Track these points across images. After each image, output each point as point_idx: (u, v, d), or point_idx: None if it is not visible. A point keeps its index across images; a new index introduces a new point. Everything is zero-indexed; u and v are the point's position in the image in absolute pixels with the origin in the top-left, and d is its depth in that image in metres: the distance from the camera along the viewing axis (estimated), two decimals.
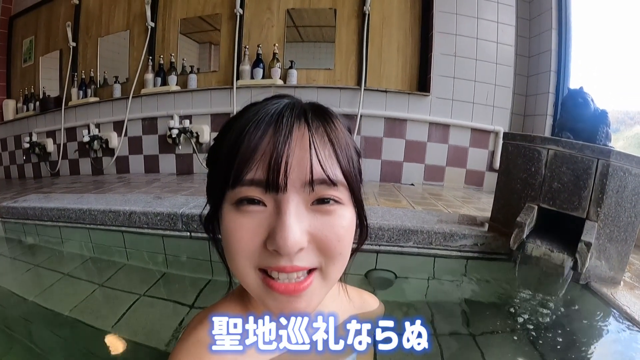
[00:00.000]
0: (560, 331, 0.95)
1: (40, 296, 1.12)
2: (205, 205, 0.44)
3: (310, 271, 0.37)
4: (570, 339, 0.92)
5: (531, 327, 0.96)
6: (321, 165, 0.36)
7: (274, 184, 0.34)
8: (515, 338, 0.93)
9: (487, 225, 1.46)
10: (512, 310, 1.04)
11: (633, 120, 2.53)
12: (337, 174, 0.37)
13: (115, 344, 0.90)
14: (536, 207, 1.28)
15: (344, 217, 0.38)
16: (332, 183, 0.36)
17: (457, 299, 1.19)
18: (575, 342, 0.92)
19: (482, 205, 2.07)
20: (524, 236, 1.22)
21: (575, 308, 1.08)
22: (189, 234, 1.46)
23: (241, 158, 0.35)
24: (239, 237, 0.36)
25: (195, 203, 1.59)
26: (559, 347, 0.88)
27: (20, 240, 1.68)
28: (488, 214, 1.53)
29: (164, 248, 1.48)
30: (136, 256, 1.50)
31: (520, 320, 0.99)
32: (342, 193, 0.37)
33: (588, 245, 1.09)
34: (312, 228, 0.36)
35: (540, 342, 0.90)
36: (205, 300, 1.07)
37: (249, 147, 0.35)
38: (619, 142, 2.55)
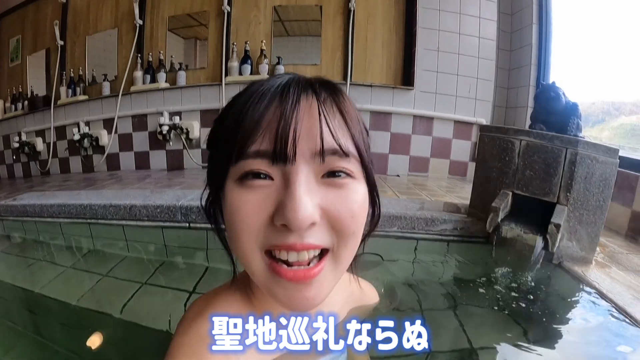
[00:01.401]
0: (535, 304, 1.02)
1: (46, 288, 1.13)
2: (205, 189, 0.41)
3: (321, 257, 0.35)
4: (545, 311, 0.99)
5: (508, 301, 1.02)
6: (332, 134, 0.33)
7: (281, 154, 0.32)
8: (495, 310, 0.99)
9: (463, 211, 1.54)
10: (490, 286, 1.10)
11: (618, 111, 2.58)
12: (348, 144, 0.34)
13: (122, 328, 0.93)
14: (510, 193, 1.36)
15: (357, 192, 0.35)
16: (344, 154, 0.34)
17: (439, 278, 1.26)
18: (549, 314, 0.98)
19: (465, 194, 2.14)
20: (499, 220, 1.30)
21: (549, 285, 1.15)
22: (187, 224, 1.53)
23: (245, 129, 0.33)
24: (243, 214, 0.33)
25: (192, 195, 1.65)
26: (534, 317, 0.95)
27: (20, 237, 1.70)
28: (468, 202, 1.62)
29: (164, 238, 1.53)
30: (136, 247, 1.55)
31: (498, 295, 1.05)
32: (354, 166, 0.35)
33: (557, 226, 1.17)
34: (324, 202, 0.33)
35: (518, 313, 0.96)
36: (204, 287, 1.11)
37: (253, 118, 0.33)
38: (604, 133, 2.63)
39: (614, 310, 0.95)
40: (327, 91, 0.36)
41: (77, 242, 1.63)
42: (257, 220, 0.33)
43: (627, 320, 0.90)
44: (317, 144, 0.33)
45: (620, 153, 1.24)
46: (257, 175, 0.33)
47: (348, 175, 0.34)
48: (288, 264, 0.34)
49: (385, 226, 1.41)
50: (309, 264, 0.34)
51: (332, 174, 0.34)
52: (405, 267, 1.31)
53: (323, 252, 0.35)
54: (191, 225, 1.52)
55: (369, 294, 0.63)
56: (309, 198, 0.32)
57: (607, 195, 1.24)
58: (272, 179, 0.33)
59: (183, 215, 1.52)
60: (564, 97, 1.38)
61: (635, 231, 1.69)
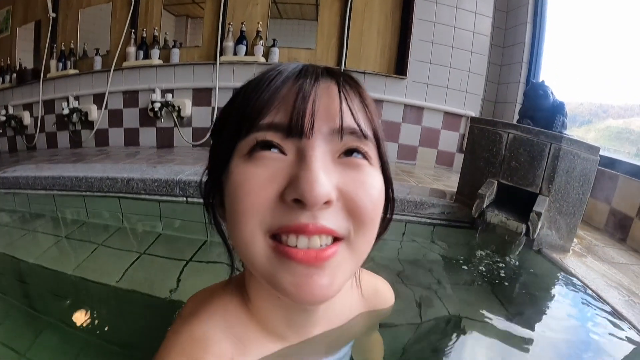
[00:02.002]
0: (515, 284, 1.08)
1: (40, 258, 1.10)
2: (204, 173, 0.39)
3: (334, 241, 0.31)
4: (524, 291, 1.05)
5: (491, 280, 1.08)
6: (352, 113, 0.32)
7: (297, 127, 0.30)
8: (478, 287, 1.04)
9: (453, 197, 1.59)
10: (473, 267, 1.15)
11: (606, 114, 2.61)
12: (367, 127, 0.33)
13: (120, 296, 0.92)
14: (496, 182, 1.42)
15: (375, 178, 0.33)
16: (363, 135, 0.32)
17: (426, 258, 1.30)
18: (528, 293, 1.05)
19: (451, 183, 2.19)
20: (484, 206, 1.36)
21: (528, 268, 1.21)
22: (185, 199, 1.54)
23: (259, 101, 0.31)
24: (247, 189, 0.30)
25: (190, 171, 1.65)
26: (514, 295, 1.01)
27: (12, 209, 1.68)
28: (455, 190, 1.66)
29: (160, 212, 1.54)
30: (132, 220, 1.55)
31: (481, 274, 1.11)
32: (371, 150, 0.33)
33: (538, 214, 1.24)
34: (341, 183, 0.30)
35: (498, 291, 1.01)
36: (202, 255, 1.12)
37: (269, 90, 0.32)
38: (590, 134, 2.66)
39: (587, 293, 1.00)
40: (346, 77, 0.35)
41: (71, 214, 1.62)
42: (265, 196, 0.30)
43: (599, 302, 0.95)
44: (336, 122, 0.31)
45: (605, 154, 1.30)
46: (267, 147, 0.31)
47: (364, 157, 0.33)
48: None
49: None
50: None
51: (349, 152, 0.32)
52: (394, 246, 1.35)
53: (335, 241, 0.31)
54: (188, 199, 1.53)
55: (384, 296, 0.57)
56: (325, 174, 0.29)
57: (587, 189, 1.30)
58: (284, 153, 0.31)
59: (181, 190, 1.53)
60: (552, 96, 1.44)
61: (613, 227, 1.77)
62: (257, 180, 0.30)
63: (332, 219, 0.30)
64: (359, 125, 0.32)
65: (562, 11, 2.80)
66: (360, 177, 0.32)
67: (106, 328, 0.80)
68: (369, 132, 0.33)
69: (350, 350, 0.51)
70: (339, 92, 0.32)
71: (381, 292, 0.57)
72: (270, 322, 0.40)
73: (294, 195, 0.28)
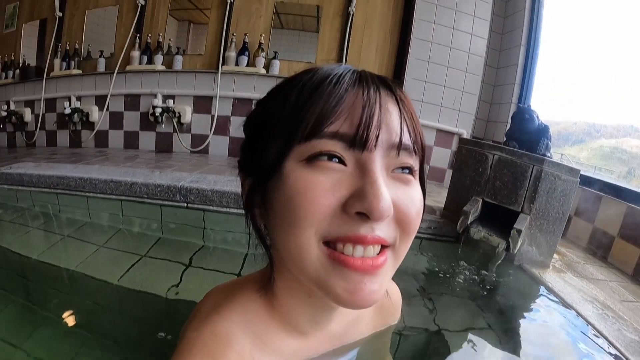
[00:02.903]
0: (496, 297, 1.14)
1: (41, 256, 1.12)
2: (242, 183, 0.39)
3: (382, 249, 0.33)
4: (504, 303, 1.11)
5: (472, 292, 1.13)
6: (409, 131, 0.33)
7: (362, 140, 0.30)
8: (460, 298, 1.10)
9: (439, 213, 1.66)
10: (457, 279, 1.20)
11: (599, 133, 2.67)
12: (417, 144, 0.34)
13: (120, 294, 0.94)
14: (481, 200, 1.49)
15: (418, 191, 0.35)
16: (415, 152, 0.34)
17: (412, 269, 1.34)
18: (508, 305, 1.10)
19: (441, 199, 2.25)
20: (469, 222, 1.43)
21: (509, 282, 1.27)
22: (185, 204, 1.60)
23: (323, 107, 0.31)
24: (310, 198, 0.30)
25: (192, 177, 1.71)
26: (494, 307, 1.07)
27: (14, 206, 1.70)
28: (443, 206, 1.74)
29: (161, 216, 1.59)
30: (133, 223, 1.59)
31: (464, 287, 1.16)
32: (416, 165, 0.35)
33: (519, 231, 1.30)
34: (394, 197, 0.31)
35: (480, 302, 1.07)
36: (198, 261, 1.16)
37: (334, 97, 0.31)
38: (583, 153, 2.73)
39: (562, 306, 1.07)
40: (399, 89, 0.35)
41: (74, 214, 1.66)
42: (327, 205, 0.30)
43: (574, 315, 1.01)
44: (396, 137, 0.32)
45: (595, 174, 1.38)
46: (329, 157, 0.31)
47: (411, 173, 0.34)
48: None
49: None
50: None
51: (400, 169, 0.33)
52: None
53: (383, 248, 0.33)
54: (189, 205, 1.59)
55: (395, 302, 0.60)
56: (386, 189, 0.30)
57: (566, 208, 1.37)
58: (344, 164, 0.31)
59: (182, 196, 1.59)
60: (537, 120, 1.51)
61: (594, 245, 1.83)
62: (320, 189, 0.30)
63: (385, 230, 0.32)
64: (414, 143, 0.33)
65: (556, 33, 2.90)
66: (410, 191, 0.33)
67: (105, 325, 0.81)
68: (419, 150, 0.35)
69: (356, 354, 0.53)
70: (398, 107, 0.33)
71: (392, 294, 0.58)
72: (294, 319, 0.41)
73: (359, 209, 0.29)
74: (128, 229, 1.52)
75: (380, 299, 0.33)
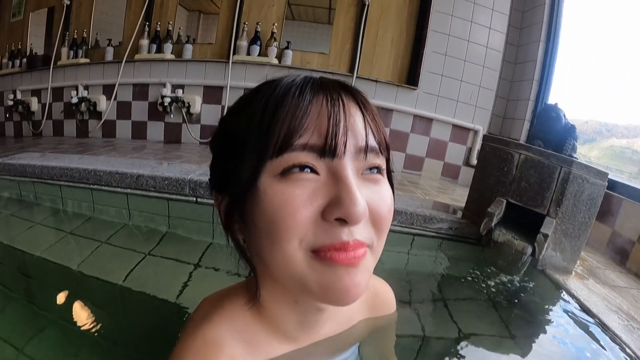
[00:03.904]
0: (518, 303, 1.09)
1: (44, 253, 1.08)
2: (219, 199, 0.39)
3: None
4: (527, 310, 1.06)
5: (494, 297, 1.08)
6: (373, 132, 0.35)
7: (331, 148, 0.32)
8: (481, 304, 1.05)
9: (460, 213, 1.60)
10: (478, 284, 1.15)
11: (610, 133, 2.63)
12: (382, 144, 0.36)
13: (124, 296, 0.91)
14: (505, 201, 1.43)
15: (388, 189, 0.37)
16: (381, 151, 0.35)
17: (432, 271, 1.31)
18: (530, 312, 1.05)
19: (456, 197, 2.20)
20: (493, 224, 1.37)
21: (532, 288, 1.21)
22: (195, 199, 1.51)
23: (291, 121, 0.32)
24: (291, 210, 0.31)
25: (202, 170, 1.63)
26: (517, 314, 1.02)
27: (17, 198, 1.65)
28: (461, 204, 1.67)
29: (168, 211, 1.52)
30: (139, 217, 1.52)
31: (485, 291, 1.11)
32: (384, 164, 0.37)
33: (545, 236, 1.25)
34: (367, 199, 0.33)
35: (501, 309, 1.02)
36: (207, 261, 1.11)
37: (300, 109, 0.32)
38: (593, 152, 2.68)
39: (587, 315, 1.01)
40: (360, 94, 0.37)
41: (78, 207, 1.59)
42: (307, 215, 0.31)
43: (599, 326, 0.96)
44: (362, 141, 0.33)
45: (609, 175, 1.32)
46: (301, 168, 0.32)
47: (379, 172, 0.36)
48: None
49: None
50: None
51: (369, 169, 0.35)
52: (400, 259, 1.35)
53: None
54: (198, 200, 1.51)
55: (384, 296, 0.59)
56: (360, 193, 0.31)
57: (593, 213, 1.32)
58: (317, 173, 0.32)
59: (191, 190, 1.51)
60: (564, 119, 1.45)
61: (613, 249, 1.77)
62: (299, 201, 0.31)
63: (362, 232, 0.33)
64: (379, 144, 0.35)
65: (575, 30, 2.82)
66: (380, 190, 0.35)
67: (108, 327, 0.78)
68: (383, 147, 0.36)
69: (357, 351, 0.53)
70: (361, 111, 0.34)
71: (381, 293, 0.58)
72: (282, 325, 0.41)
73: (338, 215, 0.31)
74: (134, 224, 1.46)
75: (364, 292, 0.34)
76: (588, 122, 2.83)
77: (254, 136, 0.33)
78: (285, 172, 0.32)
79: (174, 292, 0.91)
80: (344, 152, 0.32)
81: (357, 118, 0.34)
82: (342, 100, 0.34)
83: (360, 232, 0.33)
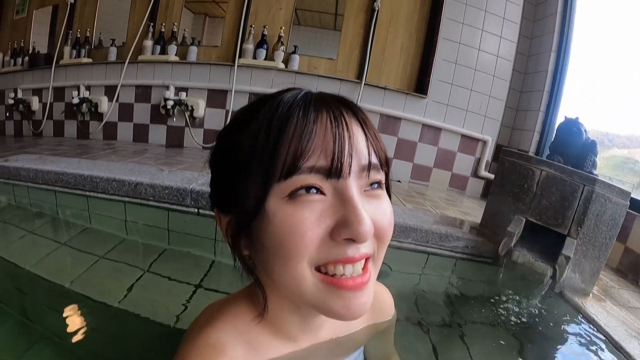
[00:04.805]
0: (535, 328, 1.04)
1: (37, 266, 1.04)
2: (226, 223, 0.39)
3: (365, 262, 0.36)
4: (544, 336, 1.02)
5: (510, 321, 1.04)
6: (375, 150, 0.36)
7: (337, 170, 0.32)
8: (497, 328, 1.01)
9: (475, 230, 1.53)
10: (494, 306, 1.11)
11: (612, 143, 2.61)
12: (383, 160, 0.37)
13: (120, 316, 0.87)
14: (524, 219, 1.38)
15: (388, 202, 0.38)
16: (381, 167, 0.36)
17: (445, 292, 1.26)
18: (547, 338, 1.02)
19: (465, 209, 2.14)
20: (512, 244, 1.31)
21: (550, 311, 1.17)
22: (197, 210, 1.42)
23: (297, 144, 0.32)
24: (301, 233, 0.32)
25: (204, 179, 1.54)
26: (535, 340, 0.98)
27: (10, 202, 1.58)
28: (472, 218, 1.61)
29: (168, 222, 1.44)
30: (137, 229, 1.45)
31: (501, 315, 1.07)
32: (383, 178, 0.37)
33: (567, 258, 1.21)
34: (371, 215, 0.34)
35: (518, 333, 0.98)
36: (210, 281, 1.05)
37: (306, 131, 0.32)
38: None
39: (609, 343, 0.98)
40: (354, 107, 0.37)
41: (73, 216, 1.52)
42: (315, 237, 0.32)
43: (621, 354, 0.92)
44: (365, 159, 0.34)
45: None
46: (308, 189, 0.33)
47: (379, 186, 0.37)
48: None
49: (401, 237, 1.38)
50: None
51: (370, 185, 0.36)
52: (413, 279, 1.30)
53: (366, 261, 0.36)
54: (200, 211, 1.42)
55: (382, 299, 0.60)
56: (366, 213, 0.32)
57: (614, 234, 1.27)
58: (323, 194, 0.33)
59: (193, 200, 1.42)
60: (584, 134, 1.40)
61: (626, 266, 1.73)
62: (308, 223, 0.32)
63: (367, 245, 0.35)
64: (380, 161, 0.36)
65: (587, 40, 2.77)
66: (381, 204, 0.36)
67: (102, 348, 0.76)
68: (384, 164, 0.37)
69: (362, 356, 0.54)
70: (362, 128, 0.35)
71: (380, 297, 0.59)
72: (284, 327, 0.43)
73: (347, 236, 0.32)
74: (131, 236, 1.39)
75: (369, 308, 0.36)
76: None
77: (259, 158, 0.33)
78: (293, 194, 0.32)
79: (172, 316, 0.86)
80: (349, 173, 0.33)
81: (359, 137, 0.34)
82: (345, 119, 0.34)
83: (365, 245, 0.34)
